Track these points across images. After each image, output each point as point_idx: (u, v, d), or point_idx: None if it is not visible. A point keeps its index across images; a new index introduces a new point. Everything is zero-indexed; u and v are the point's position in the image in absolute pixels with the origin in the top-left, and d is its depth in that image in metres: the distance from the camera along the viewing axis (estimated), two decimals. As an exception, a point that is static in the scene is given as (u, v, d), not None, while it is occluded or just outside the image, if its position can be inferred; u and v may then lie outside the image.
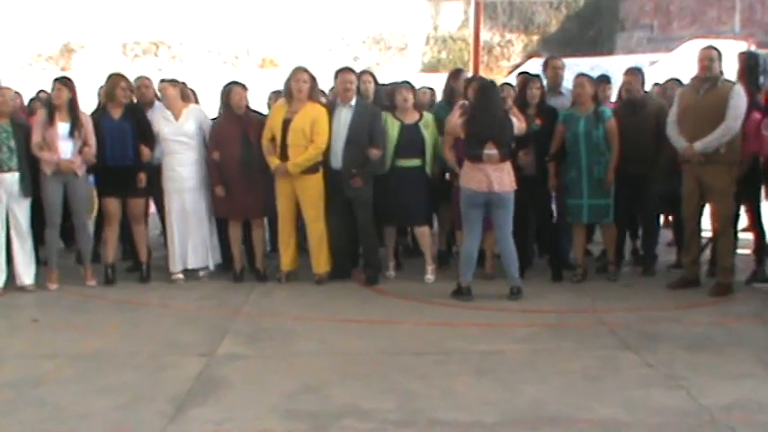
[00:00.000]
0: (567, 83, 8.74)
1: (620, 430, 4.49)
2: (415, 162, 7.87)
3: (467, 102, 7.58)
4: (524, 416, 4.71)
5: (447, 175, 7.86)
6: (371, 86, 8.42)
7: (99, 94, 8.86)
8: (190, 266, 8.07)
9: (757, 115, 7.59)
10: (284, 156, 7.66)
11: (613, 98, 8.97)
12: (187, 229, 7.98)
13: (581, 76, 7.96)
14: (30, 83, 10.67)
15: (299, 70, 7.81)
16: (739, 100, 7.20)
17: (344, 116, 7.80)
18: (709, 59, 7.31)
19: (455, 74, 8.83)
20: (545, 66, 8.96)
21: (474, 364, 5.63)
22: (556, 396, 5.00)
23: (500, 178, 7.19)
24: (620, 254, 8.31)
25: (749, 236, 8.26)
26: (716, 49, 7.47)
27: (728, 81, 7.36)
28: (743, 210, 8.06)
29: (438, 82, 9.37)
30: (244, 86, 8.03)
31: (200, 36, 25.90)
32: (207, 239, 8.12)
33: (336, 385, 5.22)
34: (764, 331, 6.41)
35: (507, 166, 7.27)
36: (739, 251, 8.15)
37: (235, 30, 25.69)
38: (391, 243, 8.33)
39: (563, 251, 8.42)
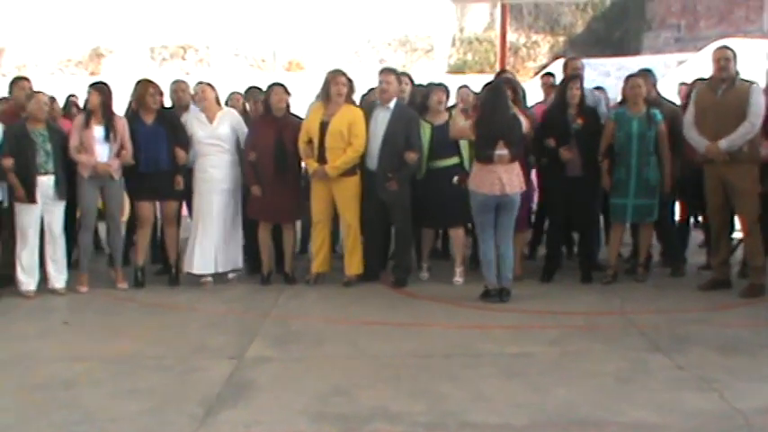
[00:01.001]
0: (591, 83, 8.69)
1: (652, 433, 4.47)
2: (453, 161, 7.85)
3: (465, 106, 7.56)
4: (554, 418, 4.69)
5: (455, 179, 7.81)
6: (408, 88, 8.41)
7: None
8: (220, 270, 8.09)
9: None
10: (322, 158, 7.67)
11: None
12: (216, 230, 8.00)
13: (635, 77, 7.91)
14: (60, 88, 10.74)
15: (338, 73, 7.82)
16: (759, 98, 7.17)
17: (382, 118, 7.80)
18: (725, 59, 7.29)
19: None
20: (565, 67, 8.91)
21: (504, 366, 5.61)
22: (586, 399, 4.97)
23: (510, 179, 7.18)
24: (648, 255, 8.25)
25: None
26: (730, 48, 7.45)
27: (745, 80, 7.30)
28: None
29: (464, 83, 9.32)
30: (285, 89, 8.04)
31: (227, 39, 26.01)
32: (236, 241, 8.15)
33: (366, 388, 5.21)
34: (797, 333, 6.35)
35: (516, 167, 7.26)
36: None
37: (261, 33, 25.77)
38: (428, 245, 8.31)
39: (592, 253, 8.37)
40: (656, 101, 8.14)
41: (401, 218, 7.86)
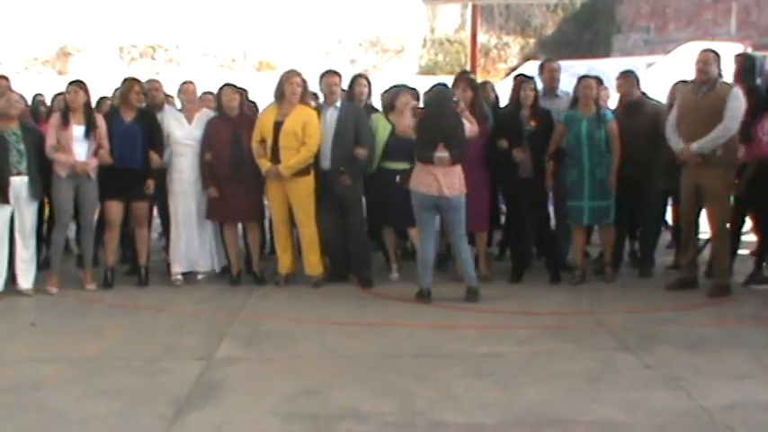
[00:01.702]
0: (564, 85, 8.74)
1: (620, 431, 4.49)
2: (404, 165, 7.85)
3: (419, 105, 7.60)
4: (524, 418, 4.71)
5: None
6: (366, 90, 8.45)
7: (114, 97, 8.89)
8: (195, 269, 8.08)
9: (760, 117, 7.59)
10: (276, 158, 7.67)
11: (613, 100, 8.95)
12: (192, 231, 7.98)
13: (586, 78, 7.97)
14: (26, 86, 10.65)
15: (293, 74, 7.84)
16: (737, 102, 7.20)
17: (330, 116, 7.87)
18: (705, 62, 7.32)
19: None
20: (541, 68, 8.96)
21: (474, 366, 5.63)
22: (556, 398, 5.00)
23: (450, 182, 7.21)
24: (618, 256, 8.31)
25: (751, 237, 8.27)
26: (714, 51, 7.48)
27: (727, 83, 7.37)
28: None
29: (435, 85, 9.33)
30: (236, 88, 8.05)
31: (197, 39, 25.88)
32: (212, 243, 8.14)
33: (336, 388, 5.21)
34: (763, 332, 6.41)
35: (458, 169, 7.29)
36: (738, 252, 8.18)
37: (232, 33, 25.67)
38: (391, 244, 8.33)
39: (561, 253, 8.42)
40: (641, 100, 8.19)
41: (353, 215, 7.89)
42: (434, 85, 7.72)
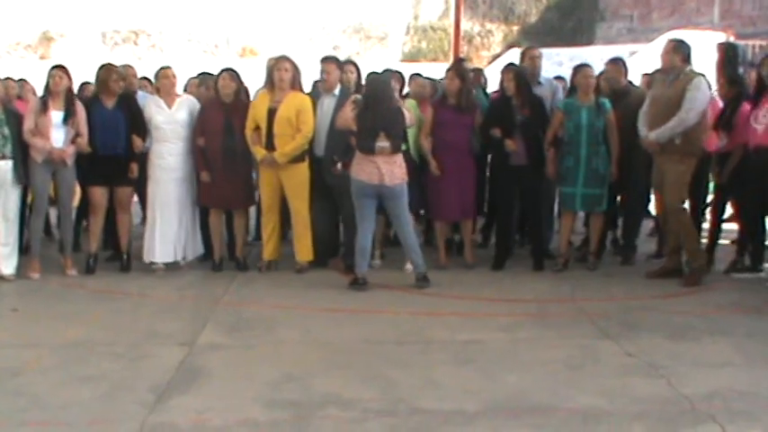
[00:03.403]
0: (546, 73, 8.76)
1: (601, 419, 4.51)
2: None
3: (359, 96, 7.57)
4: (505, 405, 4.73)
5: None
6: (354, 76, 8.41)
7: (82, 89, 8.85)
8: (173, 258, 8.03)
9: (747, 106, 7.62)
10: (270, 146, 7.65)
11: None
12: (171, 218, 7.94)
13: (585, 66, 7.99)
14: (8, 71, 10.58)
15: (281, 59, 7.81)
16: (696, 92, 7.19)
17: (327, 104, 7.84)
18: (665, 52, 7.39)
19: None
20: (522, 56, 8.97)
21: (455, 353, 5.64)
22: (537, 385, 5.02)
23: (391, 171, 7.22)
24: (601, 244, 8.35)
25: (733, 226, 8.32)
26: (676, 40, 7.51)
27: (692, 73, 7.31)
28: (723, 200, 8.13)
29: (418, 71, 9.33)
30: (234, 74, 8.00)
31: (180, 25, 25.75)
32: (191, 230, 8.10)
33: (318, 374, 5.21)
34: (744, 320, 6.46)
35: (399, 158, 7.31)
36: (720, 241, 8.24)
37: (215, 19, 25.57)
38: (379, 232, 8.34)
39: (544, 241, 8.45)
40: (626, 88, 8.22)
41: (348, 203, 7.88)
42: (371, 74, 7.71)
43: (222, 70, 8.06)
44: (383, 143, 7.16)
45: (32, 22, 25.13)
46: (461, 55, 14.73)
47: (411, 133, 7.89)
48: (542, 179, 8.03)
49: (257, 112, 7.73)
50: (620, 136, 7.75)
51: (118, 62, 8.69)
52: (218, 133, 7.79)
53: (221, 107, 7.87)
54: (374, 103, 7.22)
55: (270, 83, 7.74)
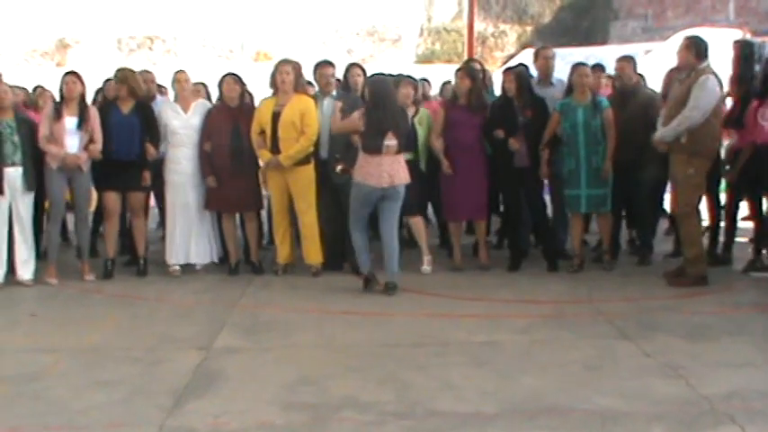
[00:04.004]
0: (562, 74, 8.72)
1: (619, 420, 4.49)
2: (408, 156, 7.84)
3: (341, 103, 7.56)
4: (523, 406, 4.71)
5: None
6: (360, 79, 8.42)
7: (104, 89, 8.87)
8: (192, 261, 8.08)
9: (755, 104, 7.57)
10: (275, 149, 7.67)
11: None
12: (189, 222, 7.98)
13: (581, 65, 7.95)
14: (26, 78, 10.65)
15: (282, 62, 7.88)
16: (701, 91, 7.10)
17: (327, 106, 7.90)
18: (680, 49, 7.33)
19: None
20: (536, 56, 8.94)
21: (472, 354, 5.63)
22: (554, 386, 5.00)
23: (397, 171, 7.22)
24: (615, 243, 8.32)
25: (749, 224, 8.28)
26: (691, 37, 7.45)
27: (702, 71, 7.20)
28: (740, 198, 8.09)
29: (432, 73, 9.34)
30: (238, 78, 8.03)
31: (195, 30, 25.85)
32: (209, 234, 8.13)
33: (335, 377, 5.21)
34: (763, 320, 6.43)
35: (402, 158, 7.31)
36: (737, 240, 8.19)
37: (229, 24, 25.65)
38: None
39: (559, 241, 8.43)
40: (635, 87, 8.17)
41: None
42: (374, 74, 7.71)
43: (225, 75, 8.12)
44: (390, 142, 7.16)
45: (49, 29, 25.29)
46: (475, 56, 14.71)
47: (421, 137, 7.89)
48: (542, 181, 8.03)
49: (262, 116, 7.75)
50: (628, 135, 7.71)
51: (134, 68, 8.72)
52: (225, 137, 7.83)
53: (227, 111, 7.90)
54: (382, 102, 7.20)
55: (274, 86, 7.76)
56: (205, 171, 7.92)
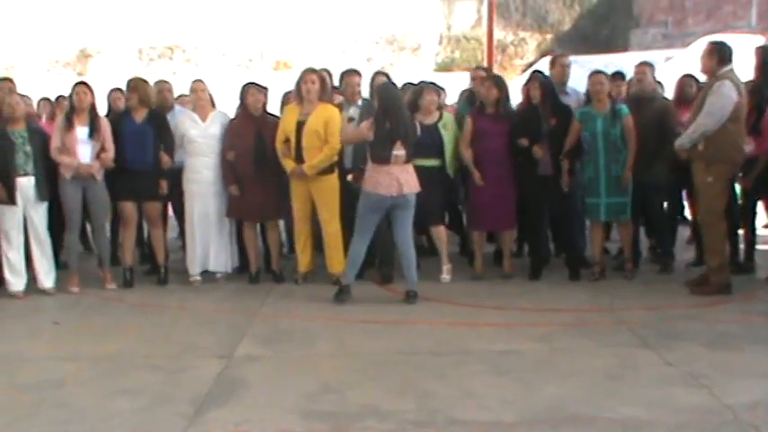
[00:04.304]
0: (579, 81, 8.70)
1: (641, 429, 4.47)
2: (434, 162, 7.87)
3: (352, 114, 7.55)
4: (544, 415, 4.69)
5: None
6: None
7: (108, 99, 8.94)
8: (211, 269, 8.11)
9: None
10: (299, 158, 7.68)
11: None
12: (208, 231, 8.01)
13: (598, 73, 7.92)
14: (48, 88, 10.74)
15: (308, 72, 7.84)
16: (714, 97, 7.03)
17: (352, 115, 7.86)
18: (702, 55, 7.28)
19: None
20: (552, 63, 8.92)
21: (493, 363, 5.62)
22: (575, 395, 4.98)
23: (407, 180, 7.20)
24: (636, 252, 8.28)
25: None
26: (714, 43, 7.40)
27: (721, 76, 7.10)
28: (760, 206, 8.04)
29: (451, 81, 9.35)
30: (261, 88, 8.06)
31: (215, 40, 25.97)
32: (227, 243, 8.15)
33: (355, 386, 5.21)
34: (786, 328, 6.38)
35: (411, 167, 7.29)
36: (759, 247, 8.14)
37: (248, 33, 25.74)
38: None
39: (580, 249, 8.39)
40: (652, 95, 8.12)
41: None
42: (383, 84, 7.67)
43: (249, 84, 8.13)
44: (399, 151, 7.15)
45: (70, 40, 25.48)
46: (495, 64, 14.71)
47: (447, 142, 7.88)
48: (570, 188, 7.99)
49: (286, 125, 7.76)
50: (644, 143, 7.67)
51: (154, 77, 8.78)
52: (248, 146, 7.83)
53: (250, 120, 7.92)
54: (391, 112, 7.19)
55: (299, 95, 7.78)
56: (228, 179, 7.94)
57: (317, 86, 7.69)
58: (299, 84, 7.75)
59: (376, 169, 7.20)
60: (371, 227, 7.34)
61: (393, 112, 7.18)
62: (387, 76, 8.67)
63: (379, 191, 7.16)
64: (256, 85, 8.10)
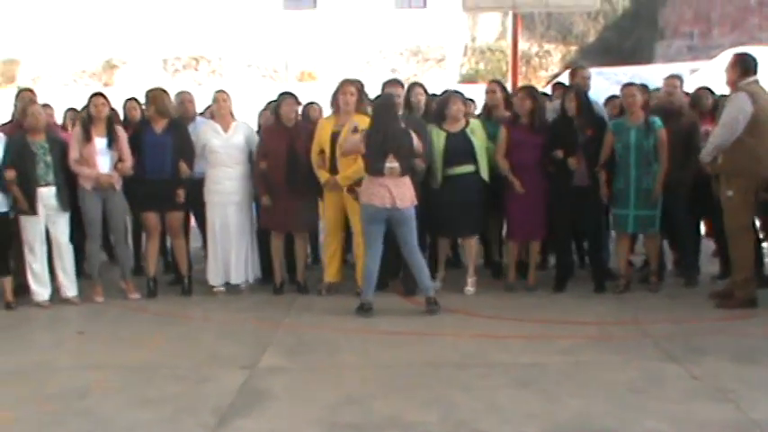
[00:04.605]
0: (604, 92, 8.66)
1: (667, 443, 4.44)
2: (468, 168, 7.84)
3: (357, 123, 7.49)
4: (568, 429, 4.67)
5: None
6: (423, 98, 8.41)
7: (124, 109, 9.03)
8: (232, 281, 8.11)
9: None
10: (334, 169, 7.67)
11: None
12: (229, 242, 8.01)
13: (630, 85, 7.91)
14: (74, 99, 10.81)
15: (346, 83, 7.82)
16: (728, 109, 7.03)
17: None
18: (726, 68, 7.26)
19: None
20: (572, 75, 8.89)
21: (517, 376, 5.59)
22: (600, 409, 4.95)
23: (402, 193, 7.16)
24: (661, 264, 8.23)
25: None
26: (738, 54, 7.36)
27: (739, 88, 7.08)
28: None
29: (476, 93, 9.34)
30: (296, 98, 8.07)
31: (240, 50, 26.08)
32: (248, 254, 8.15)
33: (379, 397, 5.21)
34: (813, 343, 6.31)
35: (407, 180, 7.24)
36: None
37: (273, 44, 25.83)
38: (443, 255, 8.31)
39: (604, 261, 8.35)
40: (680, 109, 8.07)
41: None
42: (378, 96, 7.65)
43: (284, 94, 8.13)
44: (392, 164, 7.13)
45: (96, 50, 25.68)
46: (519, 75, 14.68)
47: (479, 151, 7.85)
48: (601, 200, 7.95)
49: (322, 136, 7.76)
50: (671, 156, 7.62)
51: (178, 88, 8.82)
52: (281, 157, 7.81)
53: (284, 131, 7.91)
54: (382, 124, 7.19)
55: (335, 106, 7.77)
56: (260, 189, 7.95)
57: (355, 98, 7.69)
58: (336, 94, 7.74)
59: (371, 181, 7.21)
60: (377, 240, 7.33)
61: (384, 125, 7.17)
62: (422, 87, 8.67)
63: (373, 202, 7.17)
64: (292, 95, 8.10)
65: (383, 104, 7.36)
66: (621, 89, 7.92)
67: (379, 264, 7.40)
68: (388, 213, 7.18)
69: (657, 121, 7.70)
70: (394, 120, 7.27)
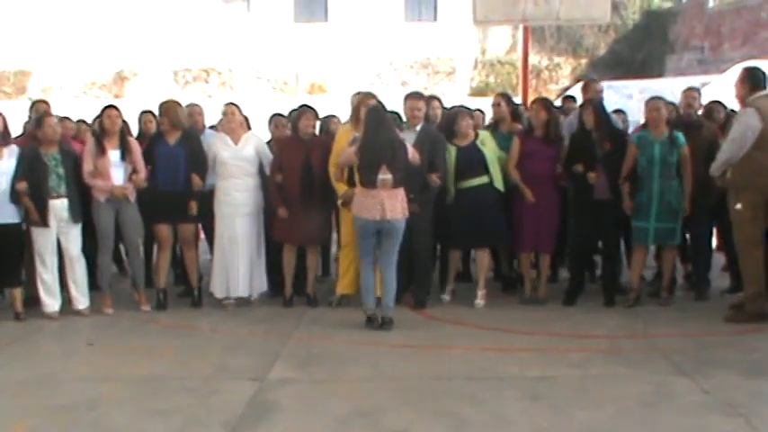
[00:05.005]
0: (615, 106, 8.65)
1: (677, 458, 4.43)
2: (482, 180, 7.85)
3: (358, 134, 7.49)
4: (578, 442, 4.66)
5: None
6: (439, 112, 8.41)
7: (139, 122, 9.06)
8: (238, 294, 8.08)
9: None
10: (351, 181, 7.67)
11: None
12: (237, 254, 8.01)
13: (654, 100, 7.90)
14: (84, 111, 10.86)
15: (367, 95, 7.82)
16: (736, 124, 7.07)
17: (408, 140, 7.83)
18: (735, 82, 7.28)
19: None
20: (584, 88, 8.89)
21: (526, 389, 5.58)
22: (610, 423, 4.95)
23: (393, 206, 7.13)
24: (672, 278, 8.21)
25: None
26: (748, 68, 7.41)
27: (750, 104, 7.10)
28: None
29: (486, 106, 9.35)
30: (315, 113, 8.10)
31: (250, 63, 26.15)
32: (255, 267, 8.14)
33: (388, 410, 5.21)
34: (825, 357, 6.28)
35: (400, 192, 7.21)
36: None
37: (284, 56, 25.90)
38: (454, 268, 8.30)
39: (615, 275, 8.33)
40: (700, 122, 8.08)
41: (422, 240, 7.84)
42: (371, 107, 7.55)
43: (304, 106, 8.15)
44: (385, 176, 7.11)
45: (107, 62, 25.79)
46: (529, 89, 14.66)
47: (491, 161, 7.85)
48: (623, 214, 7.93)
49: (340, 149, 7.76)
50: (693, 169, 7.63)
51: (189, 100, 8.84)
52: (296, 170, 7.83)
53: (300, 144, 7.93)
54: (374, 136, 7.17)
55: (354, 119, 7.78)
56: (276, 202, 7.95)
57: None
58: (356, 107, 7.74)
59: (363, 193, 7.20)
60: (369, 252, 7.31)
61: (376, 137, 7.15)
62: (439, 100, 8.68)
63: (363, 215, 7.16)
64: (312, 109, 8.12)
65: (374, 115, 7.29)
66: (646, 103, 7.93)
67: (373, 274, 7.36)
68: (378, 225, 7.16)
69: (681, 137, 7.68)
70: (387, 131, 7.25)
